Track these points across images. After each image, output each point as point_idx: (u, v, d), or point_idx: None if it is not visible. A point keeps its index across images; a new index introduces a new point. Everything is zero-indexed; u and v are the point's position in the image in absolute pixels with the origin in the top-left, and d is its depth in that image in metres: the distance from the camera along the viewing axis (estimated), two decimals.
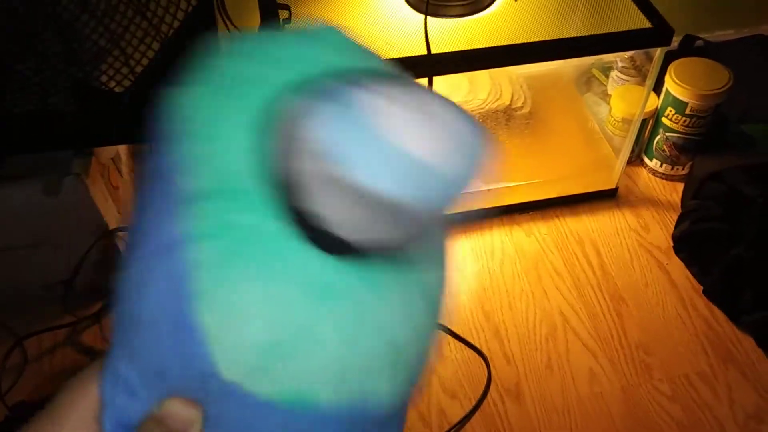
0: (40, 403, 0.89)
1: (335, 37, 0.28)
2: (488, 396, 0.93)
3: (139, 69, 0.81)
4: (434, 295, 0.27)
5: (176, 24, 0.80)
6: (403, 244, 0.25)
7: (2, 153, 0.89)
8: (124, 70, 0.81)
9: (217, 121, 0.25)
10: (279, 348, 0.24)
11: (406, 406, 0.29)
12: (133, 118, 0.84)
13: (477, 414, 0.92)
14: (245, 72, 0.26)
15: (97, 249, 0.96)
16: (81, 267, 0.97)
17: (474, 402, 0.92)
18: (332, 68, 0.26)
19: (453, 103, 0.25)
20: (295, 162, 0.23)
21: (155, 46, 0.81)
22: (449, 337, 0.99)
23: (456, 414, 0.91)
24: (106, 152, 1.00)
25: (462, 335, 0.99)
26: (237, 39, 0.28)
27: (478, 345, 0.98)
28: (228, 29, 0.95)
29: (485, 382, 0.94)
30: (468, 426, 0.91)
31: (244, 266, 0.24)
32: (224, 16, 0.99)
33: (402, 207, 0.23)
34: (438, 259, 0.28)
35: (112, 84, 0.81)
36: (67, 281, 0.99)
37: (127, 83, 0.81)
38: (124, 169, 1.09)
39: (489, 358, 0.97)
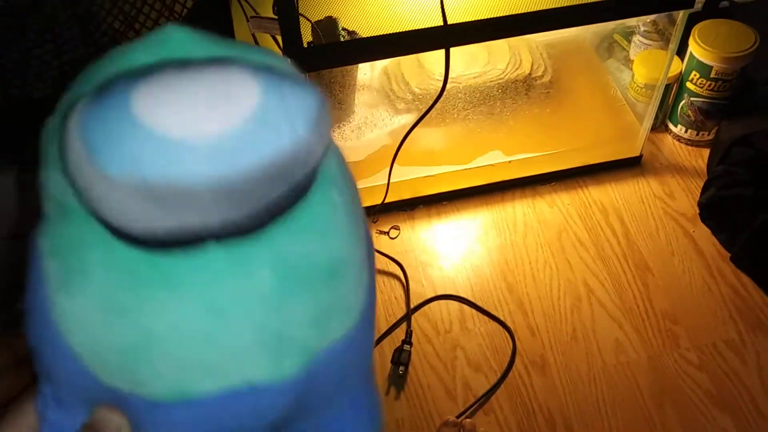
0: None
1: (174, 35, 0.27)
2: (513, 368, 0.93)
3: None
4: (302, 263, 0.27)
5: (189, 4, 0.80)
6: (213, 226, 0.24)
7: (23, 139, 0.89)
8: None
9: (48, 141, 0.27)
10: (129, 348, 0.25)
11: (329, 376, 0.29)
12: None
13: (502, 386, 0.92)
14: (80, 89, 0.27)
15: None
16: None
17: (499, 374, 0.92)
18: (135, 66, 0.26)
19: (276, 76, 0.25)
20: (67, 163, 0.24)
21: None
22: (473, 310, 0.99)
23: (481, 387, 0.92)
24: None
25: (486, 308, 0.99)
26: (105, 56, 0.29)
27: (502, 318, 0.98)
28: (241, 6, 0.94)
29: (510, 355, 0.94)
30: (493, 398, 0.91)
31: (74, 276, 0.25)
32: None
33: (182, 190, 0.23)
34: (304, 226, 0.27)
35: None
36: None
37: None
38: None
39: (513, 331, 0.96)
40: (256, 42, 1.09)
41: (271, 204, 0.25)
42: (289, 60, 0.29)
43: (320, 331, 0.28)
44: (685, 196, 1.11)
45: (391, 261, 1.04)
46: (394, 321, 0.98)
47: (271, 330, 0.26)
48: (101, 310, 0.25)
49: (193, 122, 0.23)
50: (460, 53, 1.08)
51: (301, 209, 0.27)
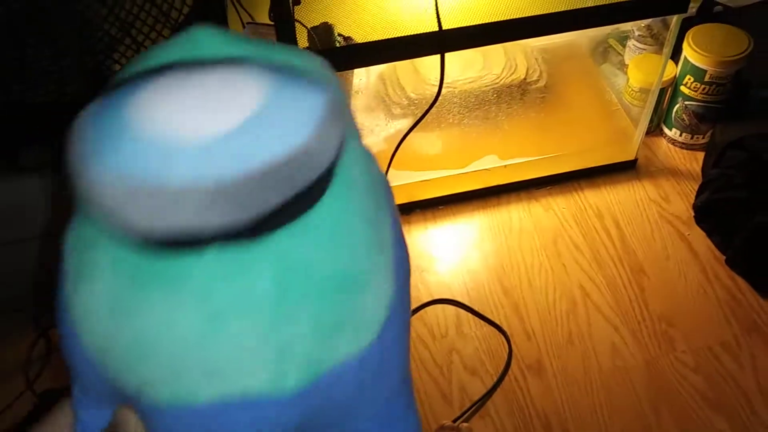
0: (66, 389, 0.91)
1: (200, 34, 0.27)
2: (509, 372, 0.93)
3: None
4: (306, 272, 0.25)
5: (186, 10, 0.80)
6: (221, 225, 0.24)
7: (20, 144, 0.90)
8: None
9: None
10: (131, 348, 0.25)
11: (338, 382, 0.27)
12: None
13: (498, 390, 0.92)
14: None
15: None
16: None
17: (495, 378, 0.93)
18: (152, 66, 0.26)
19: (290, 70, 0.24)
20: (74, 171, 0.24)
21: (166, 32, 0.80)
22: (469, 314, 0.99)
23: (477, 391, 0.92)
24: None
25: (482, 312, 0.99)
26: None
27: (497, 322, 0.98)
28: (237, 12, 0.94)
29: (506, 359, 0.94)
30: (490, 402, 0.91)
31: (85, 274, 0.25)
32: (233, 0, 0.98)
33: (181, 190, 0.23)
34: (310, 226, 0.26)
35: None
36: None
37: None
38: None
39: (509, 335, 0.96)
40: None
41: (276, 209, 0.24)
42: (322, 60, 0.28)
43: (327, 346, 0.26)
44: (680, 199, 1.12)
45: None
46: None
47: (271, 340, 0.25)
48: (107, 309, 0.25)
49: (188, 125, 0.23)
50: (455, 58, 1.09)
51: (311, 216, 0.25)
